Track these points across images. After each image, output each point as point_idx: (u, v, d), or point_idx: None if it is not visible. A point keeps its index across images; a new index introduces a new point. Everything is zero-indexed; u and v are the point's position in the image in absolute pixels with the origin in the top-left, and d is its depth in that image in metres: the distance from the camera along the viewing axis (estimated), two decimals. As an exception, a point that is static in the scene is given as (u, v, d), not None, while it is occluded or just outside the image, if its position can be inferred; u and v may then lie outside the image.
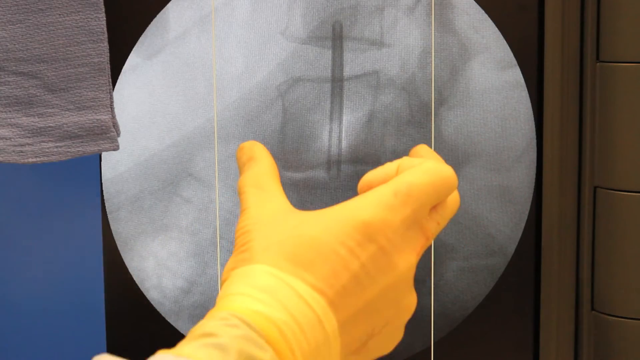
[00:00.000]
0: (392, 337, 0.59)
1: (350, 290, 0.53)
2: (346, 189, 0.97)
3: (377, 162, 0.97)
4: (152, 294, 0.97)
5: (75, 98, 0.87)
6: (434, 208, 0.58)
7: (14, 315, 0.95)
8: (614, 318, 0.97)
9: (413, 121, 0.97)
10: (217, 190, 0.96)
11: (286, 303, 0.52)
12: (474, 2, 0.95)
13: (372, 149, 0.97)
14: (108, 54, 0.87)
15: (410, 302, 0.58)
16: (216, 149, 0.96)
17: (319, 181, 0.97)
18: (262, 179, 0.60)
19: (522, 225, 0.98)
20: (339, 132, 0.96)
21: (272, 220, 0.56)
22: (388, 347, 0.60)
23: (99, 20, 0.86)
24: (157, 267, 0.97)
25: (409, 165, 0.59)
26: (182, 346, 0.50)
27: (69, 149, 0.87)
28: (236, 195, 0.97)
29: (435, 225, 0.58)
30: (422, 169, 0.57)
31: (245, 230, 0.56)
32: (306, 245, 0.54)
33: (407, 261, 0.56)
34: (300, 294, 0.52)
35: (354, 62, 0.96)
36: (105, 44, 0.87)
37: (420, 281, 0.98)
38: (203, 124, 0.96)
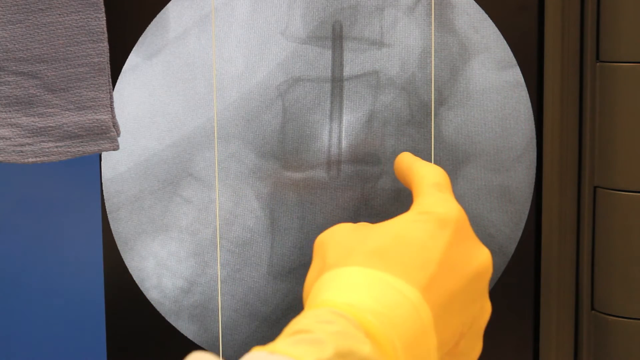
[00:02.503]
0: (476, 342, 0.60)
1: (439, 279, 0.54)
2: (346, 189, 0.97)
3: (377, 162, 0.97)
4: (152, 294, 0.97)
5: (75, 98, 0.87)
6: None
7: (14, 315, 0.95)
8: (614, 318, 0.97)
9: (413, 121, 0.97)
10: (217, 190, 0.96)
11: (381, 295, 0.52)
12: (473, 2, 0.95)
13: (372, 149, 0.97)
14: (108, 54, 0.87)
15: (487, 306, 0.59)
16: (216, 149, 0.96)
17: (318, 181, 0.97)
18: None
19: (522, 225, 0.98)
20: (339, 132, 0.96)
21: (347, 231, 0.58)
22: (475, 354, 0.61)
23: (99, 20, 0.86)
24: (157, 267, 0.97)
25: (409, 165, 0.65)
26: (275, 343, 0.49)
27: (69, 149, 0.87)
28: (236, 195, 0.97)
29: None
30: (431, 170, 0.63)
31: (321, 242, 0.57)
32: (390, 241, 0.55)
33: (482, 253, 0.58)
34: (394, 286, 0.52)
35: (354, 62, 0.96)
36: (105, 44, 0.87)
37: (420, 281, 0.99)
38: (203, 124, 0.96)
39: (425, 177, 0.63)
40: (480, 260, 0.58)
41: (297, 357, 0.46)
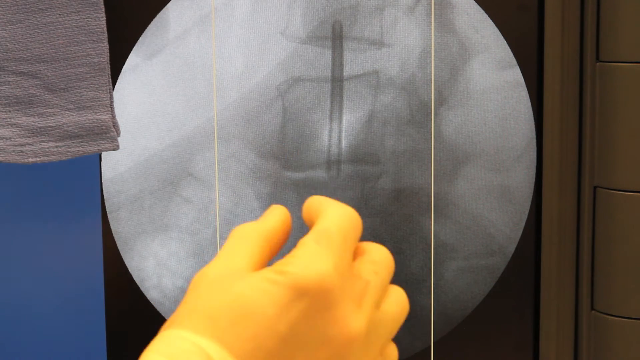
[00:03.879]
0: None
1: (283, 357, 0.47)
2: (346, 189, 0.97)
3: (377, 162, 0.97)
4: (152, 294, 0.97)
5: (75, 98, 0.87)
6: (359, 258, 0.52)
7: (14, 315, 0.95)
8: (614, 318, 0.97)
9: (413, 121, 0.97)
10: (217, 190, 0.96)
11: None
12: (473, 2, 0.95)
13: (372, 149, 0.97)
14: (108, 54, 0.87)
15: (390, 353, 0.51)
16: (216, 149, 0.96)
17: (318, 181, 0.97)
18: (254, 233, 0.52)
19: (522, 225, 0.98)
20: (339, 132, 0.96)
21: (217, 279, 0.50)
22: None
23: (99, 20, 0.86)
24: (157, 266, 0.97)
25: (316, 212, 0.54)
26: None
27: (69, 149, 0.87)
28: (236, 195, 0.97)
29: (370, 270, 0.51)
30: (330, 213, 0.51)
31: (191, 287, 0.51)
32: (230, 304, 0.47)
33: (356, 317, 0.48)
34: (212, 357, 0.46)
35: (354, 62, 0.96)
36: (105, 44, 0.87)
37: (420, 281, 0.98)
38: (203, 124, 0.96)
39: (319, 221, 0.51)
40: (344, 338, 0.48)
41: None
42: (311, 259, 0.49)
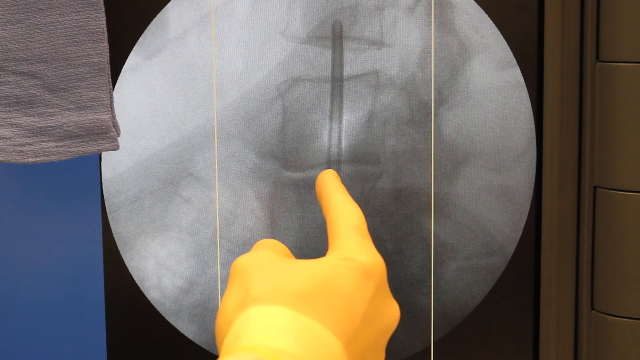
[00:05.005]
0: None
1: (360, 332, 0.53)
2: (346, 189, 0.97)
3: (377, 162, 0.97)
4: (152, 294, 0.97)
5: (75, 98, 0.87)
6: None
7: (14, 315, 0.95)
8: (614, 318, 0.97)
9: (413, 121, 0.97)
10: (217, 190, 0.96)
11: (307, 344, 0.50)
12: (473, 1, 0.95)
13: (372, 149, 0.97)
14: (108, 54, 0.87)
15: (394, 313, 0.58)
16: (216, 149, 0.96)
17: (319, 181, 0.97)
18: (264, 243, 0.60)
19: (522, 225, 0.98)
20: (339, 132, 0.96)
21: (271, 262, 0.55)
22: None
23: (99, 20, 0.86)
24: (157, 266, 0.97)
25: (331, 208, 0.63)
26: None
27: (69, 149, 0.87)
28: (236, 195, 0.97)
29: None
30: (354, 210, 0.61)
31: (241, 267, 0.54)
32: (318, 285, 0.53)
33: (394, 309, 0.57)
34: (321, 336, 0.50)
35: (354, 62, 0.96)
36: (105, 44, 0.87)
37: (420, 281, 0.98)
38: (203, 124, 0.96)
39: (345, 216, 0.60)
40: (392, 316, 0.57)
41: None
42: (366, 250, 0.57)
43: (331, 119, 0.96)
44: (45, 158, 0.86)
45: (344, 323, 0.52)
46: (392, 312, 0.56)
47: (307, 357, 0.49)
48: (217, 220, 0.96)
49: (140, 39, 0.94)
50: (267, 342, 0.49)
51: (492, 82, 0.97)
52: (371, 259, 0.56)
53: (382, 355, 0.57)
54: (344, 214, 0.59)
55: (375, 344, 0.55)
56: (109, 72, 0.87)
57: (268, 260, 0.56)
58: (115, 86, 0.94)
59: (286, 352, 0.49)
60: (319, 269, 0.54)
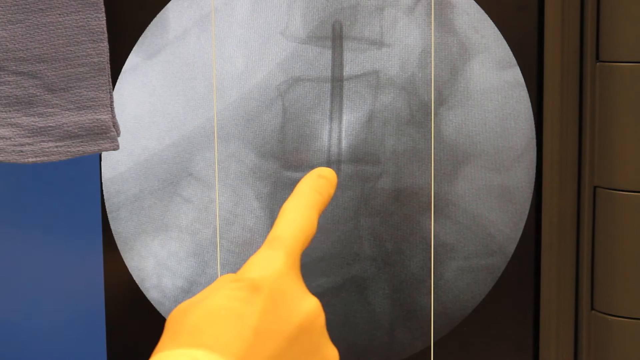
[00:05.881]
0: None
1: (258, 345, 0.54)
2: (346, 189, 0.97)
3: (377, 162, 0.97)
4: (152, 294, 0.97)
5: (75, 98, 0.87)
6: None
7: (13, 315, 0.95)
8: (614, 318, 0.97)
9: (413, 121, 0.97)
10: (217, 190, 0.96)
11: None
12: (473, 1, 0.95)
13: (372, 149, 0.97)
14: (108, 54, 0.87)
15: (329, 354, 0.58)
16: (216, 149, 0.96)
17: (319, 181, 0.97)
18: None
19: (522, 225, 0.98)
20: (339, 132, 0.96)
21: (184, 307, 0.57)
22: None
23: (99, 20, 0.86)
24: (157, 266, 0.97)
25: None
26: None
27: (69, 149, 0.87)
28: (236, 195, 0.97)
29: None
30: (286, 215, 0.60)
31: (168, 322, 0.57)
32: (206, 315, 0.54)
33: (305, 304, 0.57)
34: None
35: (354, 62, 0.96)
36: (105, 44, 0.87)
37: (420, 281, 0.99)
38: (203, 124, 0.96)
39: (276, 225, 0.60)
40: (304, 315, 0.56)
41: None
42: (263, 262, 0.57)
43: (331, 119, 0.96)
44: (45, 158, 0.86)
45: (232, 342, 0.53)
46: (302, 310, 0.56)
47: None
48: (217, 220, 0.96)
49: (140, 39, 0.94)
50: None
51: (492, 82, 0.97)
52: (261, 271, 0.56)
53: (322, 353, 0.57)
54: (277, 222, 0.60)
55: (292, 349, 0.55)
56: (109, 72, 0.87)
57: (182, 306, 0.58)
58: (115, 86, 0.94)
59: None
60: (209, 299, 0.55)
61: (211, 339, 0.53)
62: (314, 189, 0.62)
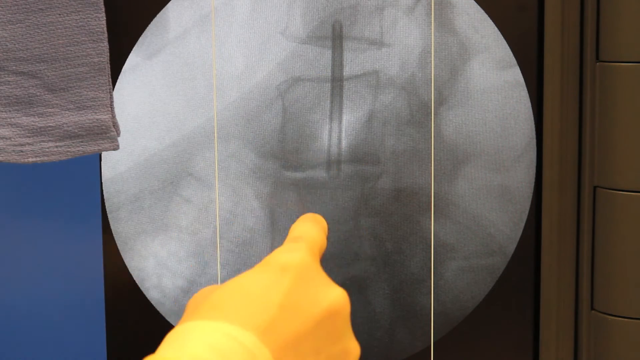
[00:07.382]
0: None
1: (281, 321, 0.54)
2: (346, 189, 0.97)
3: (377, 162, 0.97)
4: (152, 294, 0.97)
5: (75, 98, 0.87)
6: None
7: (13, 315, 0.95)
8: (614, 318, 0.97)
9: (413, 121, 0.97)
10: (217, 190, 0.96)
11: (215, 344, 0.52)
12: (473, 1, 0.95)
13: (372, 149, 0.97)
14: (108, 54, 0.87)
15: (351, 347, 0.58)
16: (216, 149, 0.96)
17: (319, 181, 0.97)
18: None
19: (522, 225, 0.98)
20: (339, 132, 0.96)
21: (205, 291, 0.59)
22: None
23: (99, 20, 0.86)
24: (157, 266, 0.97)
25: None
26: None
27: (69, 149, 0.87)
28: (236, 195, 0.97)
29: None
30: (301, 225, 0.63)
31: (186, 306, 0.59)
32: (230, 292, 0.55)
33: (333, 292, 0.58)
34: (229, 333, 0.52)
35: (354, 62, 0.96)
36: (105, 44, 0.87)
37: (420, 281, 0.99)
38: (203, 124, 0.96)
39: (292, 230, 0.64)
40: (330, 300, 0.57)
41: None
42: (289, 251, 0.59)
43: (331, 119, 0.96)
44: (45, 158, 0.86)
45: (255, 315, 0.54)
46: (329, 297, 0.57)
47: (214, 355, 0.51)
48: (217, 220, 0.97)
49: (140, 39, 0.94)
50: (175, 353, 0.52)
51: (492, 82, 0.97)
52: (288, 256, 0.58)
53: (343, 344, 0.58)
54: (293, 229, 0.64)
55: (314, 332, 0.56)
56: (109, 72, 0.87)
57: (204, 291, 0.60)
58: (115, 86, 0.94)
59: (192, 356, 0.51)
60: (235, 280, 0.57)
61: (232, 312, 0.53)
62: (316, 220, 0.65)
